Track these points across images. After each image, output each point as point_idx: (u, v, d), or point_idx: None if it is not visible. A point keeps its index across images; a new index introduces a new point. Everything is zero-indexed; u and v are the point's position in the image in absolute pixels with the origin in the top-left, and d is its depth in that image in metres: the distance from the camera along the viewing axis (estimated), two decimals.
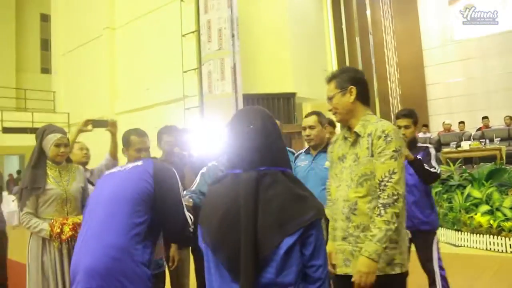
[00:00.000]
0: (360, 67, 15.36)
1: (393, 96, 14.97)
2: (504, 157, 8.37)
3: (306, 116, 3.34)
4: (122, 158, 3.28)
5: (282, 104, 12.23)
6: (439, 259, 3.34)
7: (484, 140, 9.55)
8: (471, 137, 10.95)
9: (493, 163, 7.21)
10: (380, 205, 1.93)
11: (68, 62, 17.18)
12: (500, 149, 8.40)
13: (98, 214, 1.96)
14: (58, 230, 2.86)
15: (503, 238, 5.50)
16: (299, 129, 5.02)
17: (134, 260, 1.87)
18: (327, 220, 2.22)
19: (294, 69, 12.72)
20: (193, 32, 11.75)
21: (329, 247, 2.17)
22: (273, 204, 1.33)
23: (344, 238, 2.08)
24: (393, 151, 1.97)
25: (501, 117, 11.86)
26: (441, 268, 3.33)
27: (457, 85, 13.90)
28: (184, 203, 2.03)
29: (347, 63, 15.70)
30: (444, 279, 3.33)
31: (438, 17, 15.01)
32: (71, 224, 2.91)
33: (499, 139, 9.38)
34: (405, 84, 14.98)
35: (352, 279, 1.92)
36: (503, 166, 6.80)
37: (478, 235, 5.74)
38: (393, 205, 1.91)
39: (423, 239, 3.31)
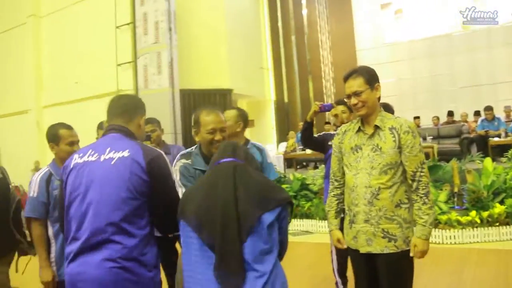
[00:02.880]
0: (295, 65, 15.61)
1: (327, 94, 15.32)
2: (436, 155, 8.81)
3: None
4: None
5: (218, 100, 12.11)
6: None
7: None
8: None
9: (428, 160, 7.54)
10: (422, 195, 2.25)
11: None
12: (432, 147, 8.84)
13: (93, 218, 1.71)
14: None
15: (440, 230, 5.76)
16: None
17: (145, 265, 1.73)
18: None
19: (230, 66, 12.68)
20: (128, 24, 11.31)
21: (337, 234, 2.50)
22: (251, 185, 1.55)
23: (366, 221, 2.30)
24: (419, 144, 2.30)
25: (428, 117, 12.51)
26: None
27: (388, 86, 14.46)
28: (179, 191, 1.93)
29: (283, 61, 15.88)
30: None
31: (370, 19, 15.56)
32: None
33: (432, 137, 9.88)
34: (340, 83, 15.38)
35: (412, 255, 2.27)
36: (437, 163, 7.13)
37: None
38: (429, 191, 2.27)
39: None
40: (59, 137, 2.73)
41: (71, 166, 1.85)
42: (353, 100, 2.33)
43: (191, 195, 1.62)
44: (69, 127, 2.81)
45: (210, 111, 2.43)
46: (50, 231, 2.66)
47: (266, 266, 1.47)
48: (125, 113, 1.95)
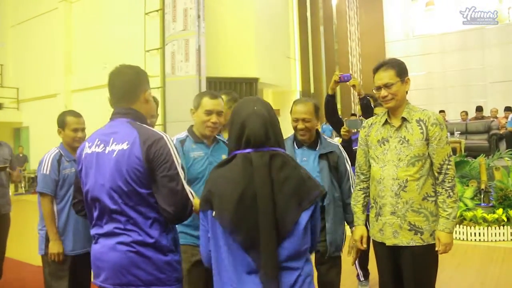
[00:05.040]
0: (323, 56, 15.47)
1: None
2: (463, 150, 8.65)
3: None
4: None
5: (244, 89, 12.14)
6: None
7: None
8: None
9: (455, 155, 7.43)
10: (448, 188, 2.25)
11: (18, 34, 16.26)
12: (460, 142, 8.66)
13: (104, 208, 1.79)
14: None
15: (464, 227, 5.70)
16: None
17: (162, 250, 1.78)
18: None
19: (257, 55, 12.65)
20: (157, 10, 11.37)
21: (361, 231, 2.49)
22: (287, 185, 1.47)
23: (392, 213, 2.31)
24: (446, 137, 2.30)
25: (457, 112, 12.27)
26: None
27: (417, 79, 14.24)
28: (182, 177, 1.77)
29: (310, 52, 15.75)
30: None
31: (401, 11, 15.28)
32: None
33: (459, 132, 9.69)
34: (367, 75, 15.21)
35: (437, 249, 2.25)
36: (464, 159, 7.02)
37: None
38: (455, 184, 2.28)
39: None
40: (65, 123, 2.98)
41: (83, 156, 1.90)
42: (383, 92, 2.32)
43: (222, 188, 1.50)
44: (76, 115, 3.04)
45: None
46: (55, 208, 2.91)
47: (299, 263, 1.49)
48: (127, 93, 1.88)
